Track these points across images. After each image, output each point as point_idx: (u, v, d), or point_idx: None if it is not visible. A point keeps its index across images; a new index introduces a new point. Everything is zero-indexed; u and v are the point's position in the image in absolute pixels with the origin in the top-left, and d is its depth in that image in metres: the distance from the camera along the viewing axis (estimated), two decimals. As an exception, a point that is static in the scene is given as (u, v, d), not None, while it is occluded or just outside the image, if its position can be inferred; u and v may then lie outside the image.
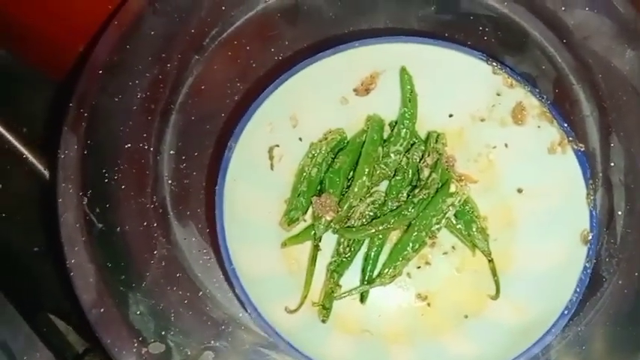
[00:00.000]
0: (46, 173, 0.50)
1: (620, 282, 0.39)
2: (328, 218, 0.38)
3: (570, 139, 0.36)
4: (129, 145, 0.41)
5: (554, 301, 0.34)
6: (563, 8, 0.44)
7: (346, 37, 0.44)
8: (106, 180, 0.40)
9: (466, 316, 0.37)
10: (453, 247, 0.40)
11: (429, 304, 0.39)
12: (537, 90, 0.37)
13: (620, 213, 0.40)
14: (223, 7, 0.44)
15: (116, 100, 0.42)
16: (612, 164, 0.41)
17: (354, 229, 0.38)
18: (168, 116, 0.42)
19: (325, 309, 0.37)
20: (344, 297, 0.38)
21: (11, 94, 0.61)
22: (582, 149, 0.36)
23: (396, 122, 0.40)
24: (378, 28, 0.44)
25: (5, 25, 0.54)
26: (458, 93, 0.39)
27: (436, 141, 0.39)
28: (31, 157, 0.49)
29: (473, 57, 0.37)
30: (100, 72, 0.42)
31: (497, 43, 0.44)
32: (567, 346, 0.38)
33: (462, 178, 0.39)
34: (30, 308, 0.43)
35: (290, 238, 0.39)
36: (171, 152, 0.41)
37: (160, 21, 0.43)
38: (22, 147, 0.50)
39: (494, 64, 0.37)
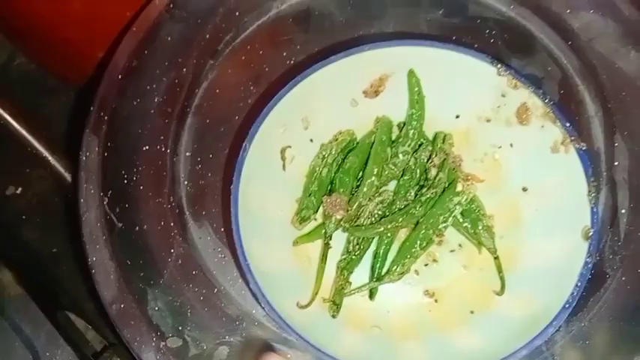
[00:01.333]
0: (67, 175, 0.51)
1: (623, 278, 0.39)
2: (338, 217, 0.39)
3: (572, 138, 0.37)
4: (147, 147, 0.42)
5: (558, 295, 0.35)
6: (568, 11, 0.44)
7: (356, 41, 0.45)
8: (126, 181, 0.41)
9: (472, 312, 0.38)
10: (460, 245, 0.41)
11: (436, 301, 0.40)
12: (541, 91, 0.38)
13: (623, 211, 0.40)
14: (237, 13, 0.45)
15: (135, 103, 0.43)
16: (616, 163, 0.41)
17: (363, 227, 0.39)
18: (184, 119, 0.43)
19: (335, 305, 0.38)
20: (354, 293, 0.39)
21: (33, 99, 0.63)
22: (584, 148, 0.37)
23: (404, 123, 0.41)
24: (387, 31, 0.45)
25: (26, 32, 0.56)
26: (464, 94, 0.40)
27: (443, 141, 0.40)
28: (52, 160, 0.51)
29: (478, 59, 0.38)
30: (120, 77, 0.43)
31: (504, 45, 0.44)
32: (571, 341, 0.38)
33: (469, 177, 0.40)
34: (50, 307, 0.44)
35: (301, 237, 0.40)
36: (187, 154, 0.43)
37: (177, 27, 0.44)
38: (44, 150, 0.51)
39: (498, 66, 0.38)
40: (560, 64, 0.44)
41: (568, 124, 0.37)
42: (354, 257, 0.40)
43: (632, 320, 0.39)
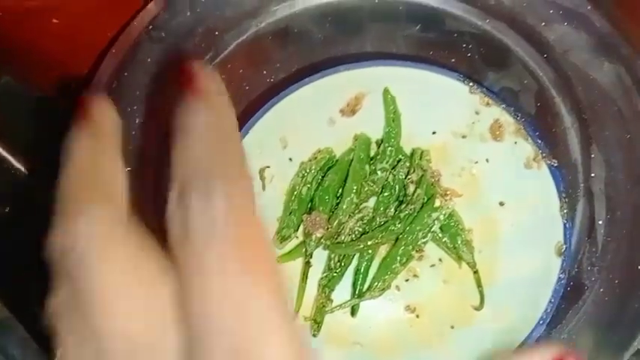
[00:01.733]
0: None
1: (601, 290, 0.40)
2: (319, 235, 0.39)
3: (543, 154, 0.37)
4: (129, 168, 0.42)
5: (534, 311, 0.35)
6: (543, 24, 0.45)
7: (335, 59, 0.45)
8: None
9: (452, 327, 0.39)
10: (440, 260, 0.41)
11: (417, 316, 0.40)
12: (512, 108, 0.38)
13: (600, 222, 0.41)
14: (216, 33, 0.45)
15: (115, 125, 0.43)
16: (593, 175, 0.42)
17: (343, 244, 0.40)
18: (166, 140, 0.44)
19: (316, 323, 0.38)
20: (335, 311, 0.39)
21: (19, 120, 0.64)
22: (555, 164, 0.37)
23: (382, 140, 0.42)
24: (365, 48, 0.46)
25: (7, 52, 0.56)
26: (439, 111, 0.40)
27: (420, 158, 0.41)
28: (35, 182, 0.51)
29: (451, 78, 0.38)
30: (100, 99, 0.43)
31: (480, 59, 0.45)
32: (551, 353, 0.39)
33: (448, 192, 0.41)
34: (37, 328, 0.44)
35: (282, 256, 0.40)
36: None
37: (156, 48, 0.45)
38: (27, 171, 0.52)
39: (470, 84, 0.38)
40: (536, 76, 0.44)
41: (540, 141, 0.38)
42: (335, 274, 0.40)
43: (610, 331, 0.39)
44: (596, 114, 0.43)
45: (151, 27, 0.45)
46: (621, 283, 0.40)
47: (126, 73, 0.44)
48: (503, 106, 0.38)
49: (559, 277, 0.35)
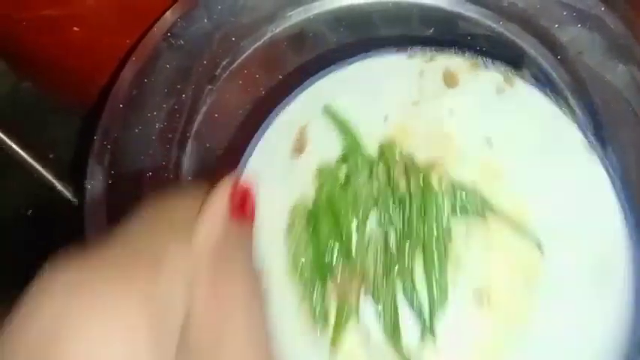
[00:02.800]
0: (75, 200, 0.53)
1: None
2: (356, 287, 0.36)
3: (511, 69, 0.37)
4: (150, 173, 0.44)
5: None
6: (556, 25, 0.45)
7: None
8: (131, 207, 0.42)
9: (526, 279, 0.36)
10: (467, 227, 0.38)
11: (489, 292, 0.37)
12: (455, 48, 0.38)
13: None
14: (233, 39, 0.46)
15: (136, 131, 0.44)
16: (607, 176, 0.42)
17: (383, 283, 0.36)
18: (184, 144, 0.45)
19: None
20: (425, 342, 0.36)
21: (39, 123, 0.65)
22: (529, 76, 0.37)
23: (346, 156, 0.39)
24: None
25: (29, 62, 0.57)
26: (384, 95, 0.38)
27: (390, 150, 0.38)
28: (59, 186, 0.52)
29: (384, 56, 0.37)
30: (121, 106, 0.45)
31: (494, 61, 0.45)
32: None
33: (432, 164, 0.38)
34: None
35: (333, 335, 0.36)
36: (189, 179, 0.44)
37: (175, 55, 0.46)
38: (50, 176, 0.53)
39: (404, 50, 0.38)
40: (550, 78, 0.45)
41: (499, 61, 0.36)
42: (392, 314, 0.36)
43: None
44: (611, 115, 0.43)
45: (169, 34, 0.46)
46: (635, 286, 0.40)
47: (146, 80, 0.45)
48: (447, 53, 0.37)
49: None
